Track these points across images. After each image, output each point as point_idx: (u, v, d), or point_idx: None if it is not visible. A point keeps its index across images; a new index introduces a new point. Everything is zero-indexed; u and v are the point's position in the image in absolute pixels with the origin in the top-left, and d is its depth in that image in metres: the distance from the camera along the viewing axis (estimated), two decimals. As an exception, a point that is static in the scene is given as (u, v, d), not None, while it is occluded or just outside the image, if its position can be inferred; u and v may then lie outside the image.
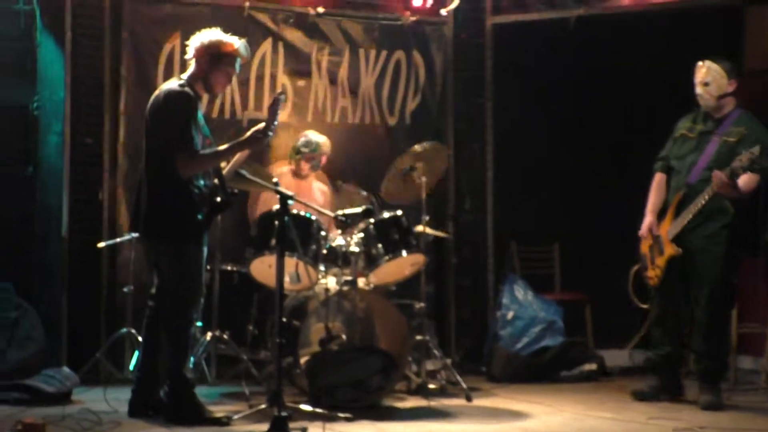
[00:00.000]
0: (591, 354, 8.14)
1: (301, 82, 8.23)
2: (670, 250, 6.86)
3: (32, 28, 7.57)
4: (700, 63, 6.91)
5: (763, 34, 8.93)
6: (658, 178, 7.12)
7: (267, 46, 8.09)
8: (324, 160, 7.53)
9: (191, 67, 6.03)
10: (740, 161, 6.42)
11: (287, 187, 6.26)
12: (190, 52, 6.03)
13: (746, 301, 8.03)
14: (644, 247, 7.07)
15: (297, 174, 7.49)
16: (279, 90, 7.39)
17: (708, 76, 6.85)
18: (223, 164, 6.14)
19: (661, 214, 7.03)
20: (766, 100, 8.49)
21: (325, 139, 7.50)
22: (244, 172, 6.16)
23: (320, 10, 8.15)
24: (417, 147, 7.12)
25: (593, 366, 8.01)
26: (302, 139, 7.46)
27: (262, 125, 5.91)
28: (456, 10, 8.44)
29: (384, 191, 7.24)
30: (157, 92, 6.01)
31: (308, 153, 7.43)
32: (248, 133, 5.94)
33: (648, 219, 7.05)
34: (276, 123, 5.94)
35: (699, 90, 6.89)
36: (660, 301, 7.08)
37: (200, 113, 6.01)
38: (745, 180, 6.56)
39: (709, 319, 6.82)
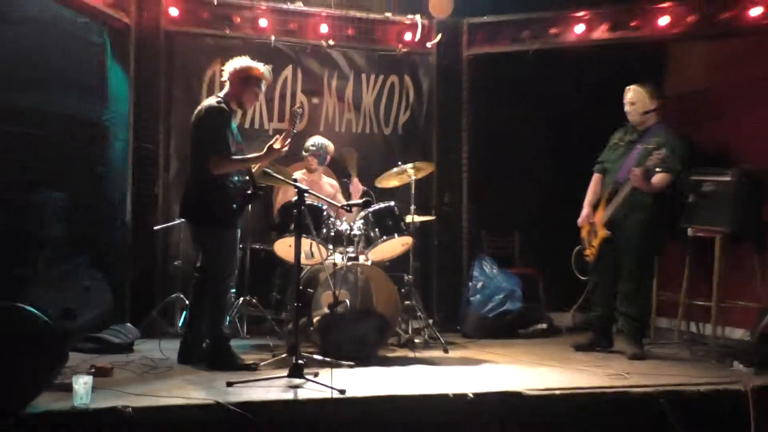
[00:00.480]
0: (543, 316, 8.18)
1: (315, 100, 8.27)
2: (602, 233, 6.96)
3: (104, 57, 7.54)
4: (627, 87, 7.02)
5: (682, 66, 8.95)
6: (596, 178, 7.22)
7: (288, 71, 8.13)
8: (329, 158, 7.54)
9: (226, 88, 6.06)
10: (651, 161, 6.57)
11: (303, 184, 6.28)
12: (225, 75, 6.07)
13: (665, 274, 8.10)
14: (583, 233, 7.17)
15: (308, 168, 7.50)
16: (297, 105, 7.41)
17: (634, 97, 6.96)
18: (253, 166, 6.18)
19: (596, 207, 7.10)
20: (683, 118, 8.53)
21: (329, 142, 7.53)
22: (269, 170, 6.14)
23: (331, 42, 8.17)
24: (409, 168, 7.09)
25: (544, 325, 8.07)
26: (310, 140, 7.49)
27: (275, 140, 5.94)
28: (439, 43, 8.43)
29: (380, 181, 7.25)
30: (199, 107, 6.03)
31: (315, 150, 7.44)
32: (266, 148, 5.95)
33: (585, 210, 7.15)
34: (295, 131, 5.99)
35: (627, 108, 6.99)
36: (595, 274, 7.18)
37: (234, 124, 6.05)
38: (658, 178, 6.70)
39: (632, 287, 6.90)
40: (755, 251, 7.72)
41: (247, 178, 6.05)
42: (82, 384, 4.71)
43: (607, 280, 7.09)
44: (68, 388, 4.75)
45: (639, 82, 7.05)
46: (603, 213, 6.99)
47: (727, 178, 7.59)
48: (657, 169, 6.65)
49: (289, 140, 5.97)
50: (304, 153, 7.47)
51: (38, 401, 4.64)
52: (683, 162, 6.90)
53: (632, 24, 7.78)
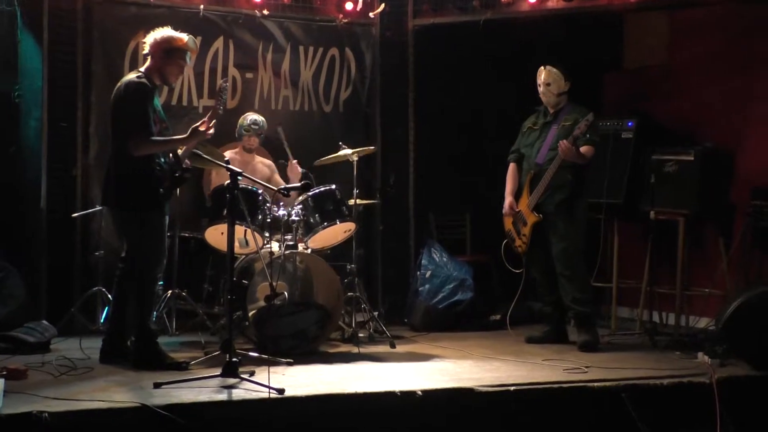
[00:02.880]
0: (496, 306, 8.16)
1: (248, 75, 8.19)
2: (532, 218, 7.08)
3: (14, 27, 7.44)
4: (542, 67, 7.17)
5: (639, 38, 9.07)
6: (512, 168, 7.39)
7: (219, 43, 8.03)
8: (263, 136, 7.55)
9: (148, 61, 6.04)
10: (579, 128, 6.81)
11: (236, 166, 6.24)
12: (147, 48, 6.05)
13: (625, 261, 8.23)
14: (508, 224, 7.31)
15: (247, 149, 7.46)
16: (224, 80, 7.37)
17: (549, 78, 7.14)
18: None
19: (517, 196, 7.24)
20: (641, 92, 8.68)
21: (263, 119, 7.54)
22: (199, 151, 6.13)
23: (265, 12, 8.10)
24: (353, 154, 7.13)
25: (498, 316, 8.04)
26: (249, 118, 7.45)
27: (201, 122, 5.93)
28: (382, 13, 8.41)
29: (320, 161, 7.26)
30: (119, 83, 6.01)
31: (257, 129, 7.42)
32: (189, 131, 5.96)
33: (507, 200, 7.29)
34: (221, 107, 6.01)
35: (542, 89, 7.18)
36: (532, 264, 7.30)
37: (157, 100, 6.06)
38: (584, 149, 6.91)
39: (569, 271, 7.00)
40: (720, 234, 7.85)
41: (174, 159, 6.02)
42: (-9, 388, 4.64)
43: (546, 269, 7.19)
44: (-23, 393, 4.68)
45: (551, 62, 7.18)
46: (528, 199, 7.12)
47: (690, 158, 7.73)
48: (583, 137, 6.87)
49: (214, 120, 5.95)
50: (243, 132, 7.44)
51: (-59, 408, 4.58)
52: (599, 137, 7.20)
53: None
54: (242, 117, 7.50)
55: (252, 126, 7.42)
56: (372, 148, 7.51)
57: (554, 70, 7.11)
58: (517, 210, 7.20)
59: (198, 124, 5.96)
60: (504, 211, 7.29)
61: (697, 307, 7.94)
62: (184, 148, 6.06)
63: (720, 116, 8.07)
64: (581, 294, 7.04)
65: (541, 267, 7.23)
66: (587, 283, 7.24)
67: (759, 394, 5.99)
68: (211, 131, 5.98)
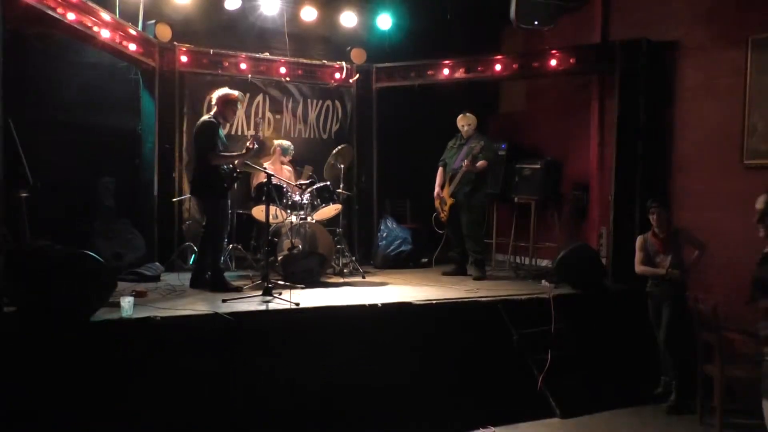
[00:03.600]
0: (425, 254, 8.14)
1: (278, 116, 8.12)
2: (449, 201, 7.09)
3: (137, 87, 7.42)
4: (461, 114, 7.16)
5: (510, 95, 9.05)
6: (440, 170, 7.33)
7: (260, 98, 7.98)
8: (290, 154, 7.54)
9: (215, 108, 6.01)
10: (475, 150, 6.80)
11: (271, 170, 6.26)
12: (214, 100, 6.03)
13: (501, 227, 8.26)
14: (437, 203, 7.27)
15: (282, 162, 7.40)
16: (259, 117, 7.30)
17: (469, 120, 7.13)
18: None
19: (443, 187, 7.19)
20: (511, 129, 8.64)
21: (290, 144, 7.52)
22: (249, 162, 6.13)
23: (287, 79, 8.05)
24: (337, 149, 7.15)
25: (425, 260, 8.07)
26: (291, 148, 7.44)
27: (249, 143, 5.89)
28: (357, 80, 8.33)
29: (324, 174, 7.21)
30: (199, 122, 6.00)
31: (291, 152, 7.43)
32: (244, 150, 5.92)
33: (436, 190, 7.25)
34: (260, 134, 6.08)
35: (460, 124, 7.15)
36: (449, 229, 7.28)
37: (221, 132, 6.00)
38: (481, 163, 6.87)
39: (470, 232, 7.00)
40: (555, 211, 7.93)
41: (232, 167, 6.00)
42: (126, 302, 4.71)
43: (456, 231, 7.19)
44: (118, 305, 4.74)
45: (468, 110, 7.17)
46: (448, 189, 7.11)
47: (538, 166, 7.82)
48: (479, 155, 6.83)
49: (256, 145, 5.90)
50: (284, 153, 7.39)
51: (98, 314, 4.62)
52: (494, 153, 7.15)
53: (479, 69, 7.77)
54: (289, 145, 7.40)
55: (290, 150, 7.42)
56: (343, 145, 7.34)
57: (468, 114, 7.13)
58: (441, 195, 7.20)
59: (248, 144, 5.93)
60: (435, 197, 7.27)
61: (542, 253, 7.99)
62: (239, 160, 6.06)
63: (554, 141, 8.11)
64: (478, 247, 7.07)
65: (453, 230, 7.21)
66: (481, 241, 7.21)
67: (577, 304, 6.09)
68: (256, 147, 5.92)
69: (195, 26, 7.60)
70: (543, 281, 6.63)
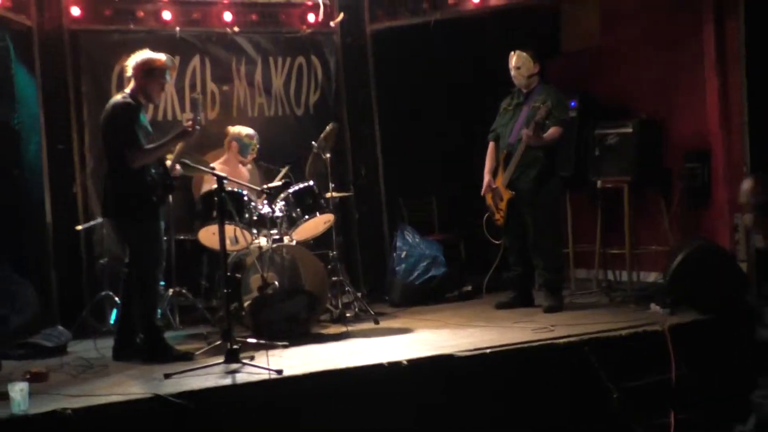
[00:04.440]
0: (466, 278, 8.18)
1: (225, 87, 8.12)
2: (506, 194, 7.07)
3: (7, 60, 7.39)
4: (512, 53, 7.15)
5: (574, 25, 9.03)
6: (491, 146, 7.36)
7: (196, 61, 7.98)
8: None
9: (132, 83, 6.00)
10: (539, 115, 6.76)
11: (224, 172, 6.24)
12: (129, 71, 6.00)
13: (579, 227, 8.24)
14: (488, 200, 7.28)
15: (242, 162, 7.40)
16: (196, 92, 7.39)
17: (518, 62, 7.11)
18: (169, 156, 6.11)
19: (495, 173, 7.22)
20: (581, 74, 8.65)
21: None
22: (186, 160, 6.12)
23: (236, 29, 8.04)
24: (325, 131, 7.11)
25: (469, 287, 8.08)
26: (255, 141, 7.38)
27: (189, 122, 5.89)
28: (341, 21, 8.35)
29: (306, 171, 7.19)
30: (107, 105, 5.98)
31: (255, 147, 7.42)
32: (178, 130, 5.95)
33: (486, 179, 7.27)
34: (200, 117, 5.92)
35: (513, 73, 7.14)
36: (508, 235, 7.28)
37: (143, 117, 6.01)
38: (549, 132, 6.89)
39: (540, 239, 7.01)
40: (660, 196, 7.88)
41: (163, 170, 6.00)
42: (18, 391, 4.62)
43: (518, 239, 7.19)
44: (5, 397, 4.66)
45: (520, 47, 7.18)
46: (503, 176, 7.11)
47: (628, 129, 7.74)
48: (547, 122, 6.85)
49: (198, 126, 5.89)
50: (249, 151, 7.38)
51: (-28, 414, 4.54)
52: (568, 113, 7.23)
53: None
54: (251, 138, 7.38)
55: (253, 146, 7.37)
56: (334, 125, 7.34)
57: (523, 53, 7.08)
58: (494, 186, 7.19)
59: (186, 123, 5.93)
60: (482, 190, 7.28)
61: (645, 263, 7.94)
62: (174, 156, 6.05)
63: (650, 89, 8.06)
64: (552, 263, 7.05)
65: (513, 237, 7.22)
66: (558, 253, 7.23)
67: (706, 336, 6.04)
68: (197, 128, 5.88)
69: (88, -39, 7.62)
70: (651, 305, 6.64)
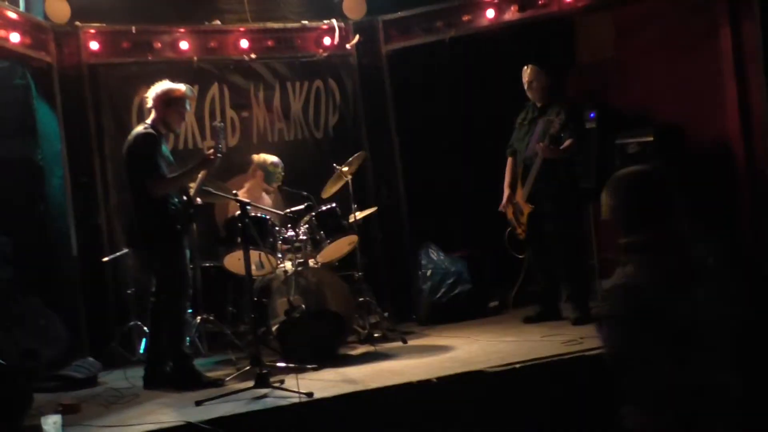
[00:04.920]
0: (493, 294, 8.16)
1: (244, 113, 8.16)
2: (527, 208, 7.07)
3: (29, 97, 7.47)
4: (525, 68, 7.18)
5: (589, 37, 9.03)
6: (510, 161, 7.38)
7: (214, 89, 8.03)
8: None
9: (152, 113, 6.02)
10: (554, 128, 6.79)
11: (244, 197, 6.26)
12: (149, 102, 6.04)
13: (603, 238, 8.15)
14: (509, 214, 7.29)
15: (266, 191, 7.43)
16: (218, 121, 7.42)
17: (531, 76, 7.14)
18: (191, 185, 6.12)
19: (514, 187, 7.23)
20: (594, 85, 8.62)
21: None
22: (208, 188, 6.12)
23: (253, 56, 8.10)
24: (350, 159, 7.14)
25: (496, 302, 8.07)
26: (280, 169, 7.44)
27: (210, 150, 5.91)
28: (357, 43, 8.39)
29: (325, 193, 7.23)
30: (129, 137, 6.01)
31: (280, 175, 7.48)
32: (200, 158, 5.96)
33: (505, 194, 7.29)
34: (221, 145, 5.93)
35: (527, 87, 7.18)
36: (531, 249, 7.27)
37: (165, 147, 6.04)
38: (565, 144, 6.89)
39: (563, 250, 6.98)
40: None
41: (187, 199, 6.02)
42: (51, 424, 4.65)
43: (541, 253, 7.17)
44: (38, 430, 4.67)
45: (532, 62, 7.18)
46: (522, 190, 7.11)
47: (649, 138, 7.64)
48: (562, 135, 6.84)
49: (220, 154, 5.91)
50: (274, 179, 7.45)
51: (8, 449, 4.57)
52: (582, 126, 7.26)
53: (540, 2, 7.78)
54: (272, 163, 7.43)
55: (278, 173, 7.43)
56: (362, 153, 7.42)
57: (536, 68, 7.12)
58: (514, 201, 7.20)
59: (208, 151, 5.94)
60: (501, 205, 7.29)
61: None
62: (196, 185, 6.04)
63: (667, 95, 8.01)
64: (576, 274, 7.03)
65: (536, 251, 7.20)
66: (582, 264, 7.21)
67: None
68: (219, 156, 5.90)
69: (104, -4, 7.70)
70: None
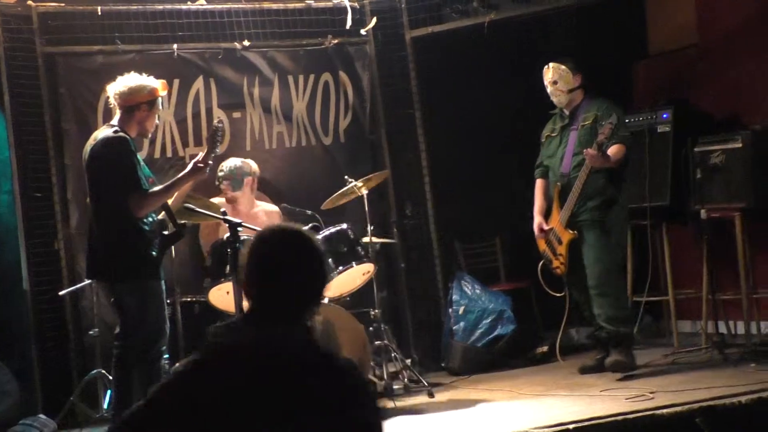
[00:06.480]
0: (541, 337, 8.19)
1: (236, 114, 8.17)
2: (567, 235, 7.09)
3: None
4: (546, 66, 7.25)
5: (665, 21, 9.07)
6: (539, 184, 7.45)
7: (199, 83, 8.04)
8: (250, 180, 7.45)
9: (117, 114, 6.04)
10: (603, 133, 6.81)
11: (232, 216, 6.24)
12: (112, 100, 6.06)
13: (680, 269, 8.20)
14: (542, 245, 7.34)
15: (226, 199, 7.40)
16: (217, 120, 7.40)
17: (554, 76, 7.22)
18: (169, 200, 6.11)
19: (547, 214, 7.28)
20: (669, 79, 8.64)
21: (242, 161, 7.47)
22: (191, 205, 6.14)
23: (246, 43, 8.11)
24: (360, 183, 7.12)
25: (545, 348, 8.05)
26: (225, 165, 7.41)
27: (200, 156, 5.92)
28: (375, 27, 8.43)
29: (328, 203, 7.27)
30: (91, 140, 5.99)
31: (225, 174, 7.37)
32: (189, 166, 5.95)
33: (536, 220, 7.33)
34: (216, 152, 5.96)
35: (550, 89, 7.26)
36: (574, 286, 7.29)
37: (138, 155, 6.03)
38: (613, 151, 6.94)
39: (603, 287, 7.02)
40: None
41: (164, 215, 6.00)
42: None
43: (588, 289, 7.17)
44: None
45: (556, 59, 7.27)
46: (560, 215, 7.15)
47: (738, 145, 7.65)
48: (611, 138, 6.90)
49: (210, 163, 5.94)
50: (216, 182, 7.39)
51: None
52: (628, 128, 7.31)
53: None
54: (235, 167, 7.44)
55: (218, 172, 7.31)
56: (385, 172, 7.50)
57: (558, 65, 7.19)
58: (548, 228, 7.22)
59: (197, 158, 5.96)
60: (536, 229, 7.33)
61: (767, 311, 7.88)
62: (175, 197, 6.06)
63: (764, 93, 8.03)
64: (617, 312, 7.05)
65: (582, 288, 7.20)
66: (624, 300, 7.25)
67: None
68: (210, 164, 5.96)
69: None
70: (777, 363, 6.65)
